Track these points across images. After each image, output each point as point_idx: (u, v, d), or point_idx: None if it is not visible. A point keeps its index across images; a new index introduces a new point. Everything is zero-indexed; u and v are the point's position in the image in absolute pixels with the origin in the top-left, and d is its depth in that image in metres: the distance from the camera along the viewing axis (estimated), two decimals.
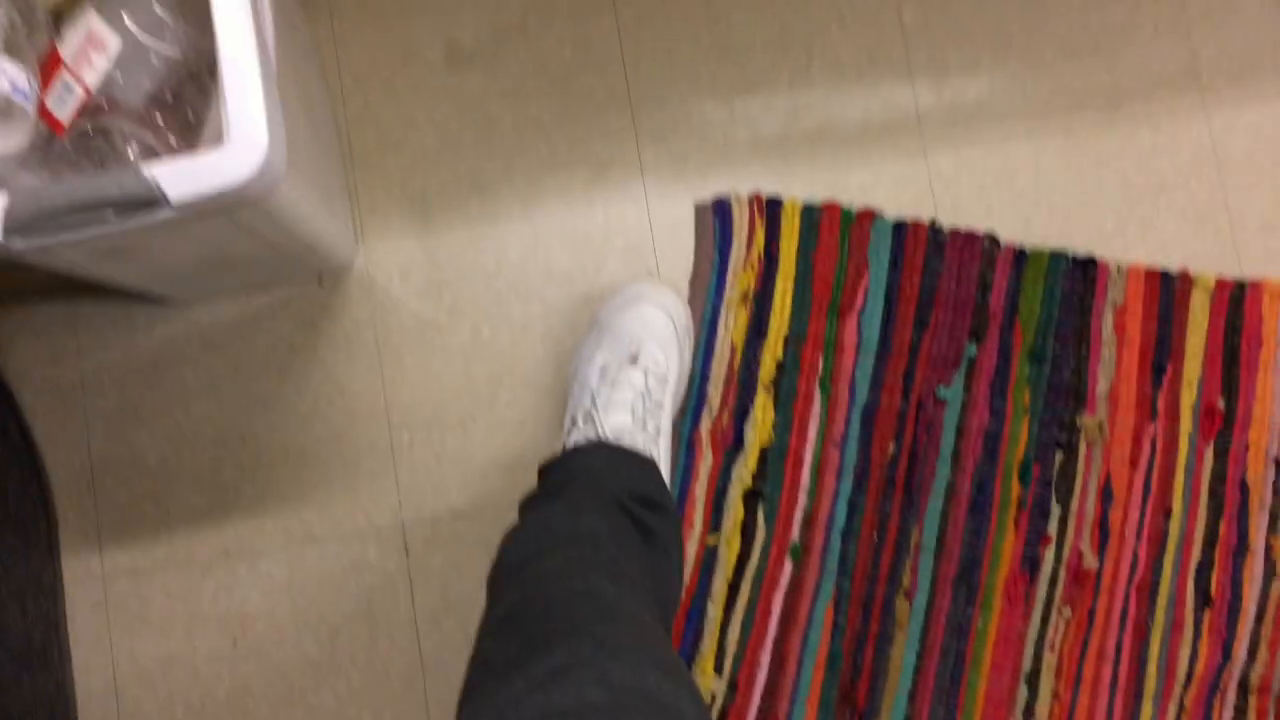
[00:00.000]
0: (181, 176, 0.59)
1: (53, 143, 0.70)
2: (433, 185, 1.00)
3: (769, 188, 1.00)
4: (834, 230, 0.99)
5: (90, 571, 0.97)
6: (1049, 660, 0.94)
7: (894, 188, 1.00)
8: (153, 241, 0.71)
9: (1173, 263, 0.98)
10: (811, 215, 0.99)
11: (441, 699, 0.95)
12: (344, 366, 0.98)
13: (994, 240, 0.98)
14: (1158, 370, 0.96)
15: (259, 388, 0.98)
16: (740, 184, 1.00)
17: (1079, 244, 0.99)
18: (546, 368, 0.98)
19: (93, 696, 0.95)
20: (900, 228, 0.98)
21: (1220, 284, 0.97)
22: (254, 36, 0.61)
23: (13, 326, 0.98)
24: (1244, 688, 0.93)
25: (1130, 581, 0.95)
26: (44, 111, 0.66)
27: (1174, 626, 0.94)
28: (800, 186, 1.00)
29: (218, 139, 0.62)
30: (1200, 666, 0.94)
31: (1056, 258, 0.97)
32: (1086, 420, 0.96)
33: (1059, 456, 0.96)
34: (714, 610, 0.95)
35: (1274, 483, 0.95)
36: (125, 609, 0.96)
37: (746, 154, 1.01)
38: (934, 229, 0.98)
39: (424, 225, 0.99)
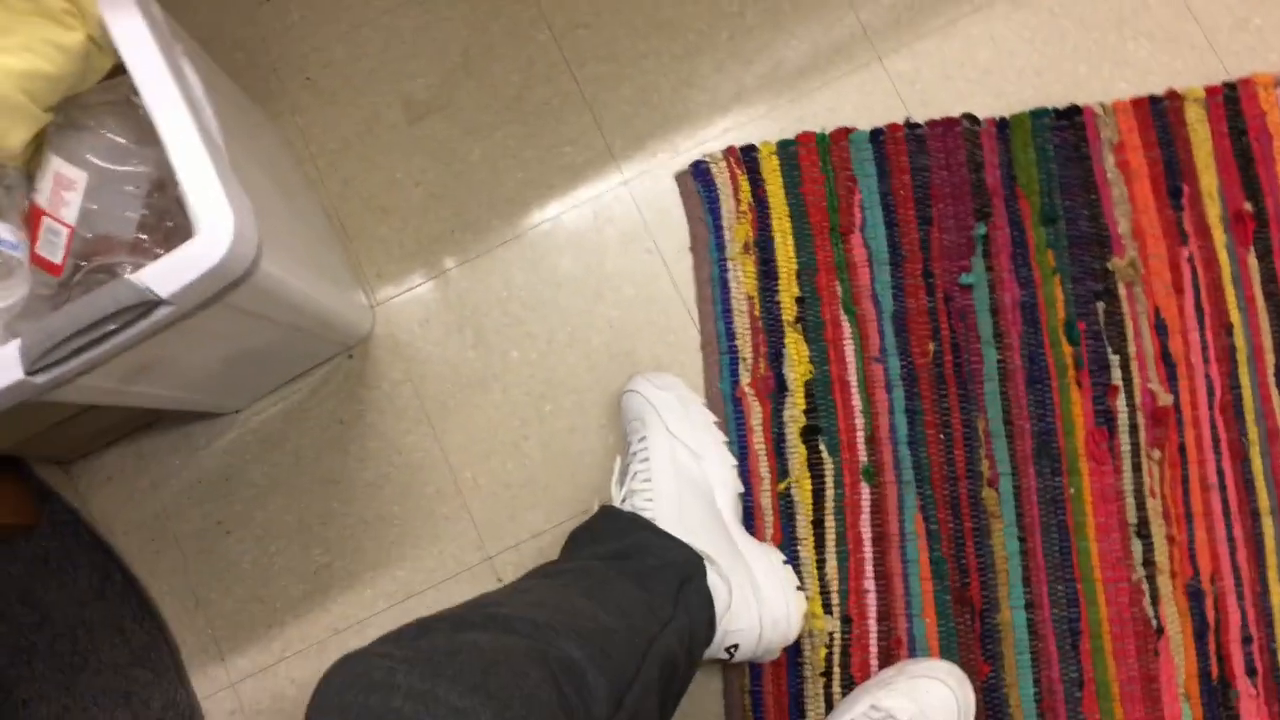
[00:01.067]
0: (166, 273, 0.63)
1: (59, 293, 0.76)
2: (427, 235, 1.03)
3: (737, 138, 1.01)
4: (813, 158, 0.99)
5: (218, 683, 1.01)
6: (1154, 507, 0.92)
7: (860, 102, 1.01)
8: (169, 349, 0.75)
9: (1158, 87, 0.97)
10: (788, 151, 1.00)
11: None
12: (394, 426, 1.02)
13: (971, 118, 0.98)
14: (1174, 194, 0.94)
15: (323, 469, 1.02)
16: (712, 145, 1.02)
17: (1059, 100, 0.98)
18: (580, 369, 1.00)
19: None
20: (877, 135, 0.99)
21: (1210, 91, 0.95)
22: (197, 133, 0.66)
23: (88, 480, 1.04)
24: None
25: (1211, 405, 0.92)
26: (37, 259, 0.71)
27: (1270, 436, 0.91)
28: (770, 130, 1.01)
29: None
30: None
31: (1038, 115, 0.96)
32: (1117, 263, 0.94)
33: (1101, 306, 0.94)
34: (806, 552, 0.95)
35: None
36: (259, 708, 1.00)
37: (709, 115, 1.02)
38: (910, 126, 0.98)
39: (429, 274, 1.03)
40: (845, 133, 0.99)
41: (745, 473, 0.95)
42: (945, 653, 0.91)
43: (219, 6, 1.07)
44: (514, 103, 1.04)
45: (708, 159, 1.01)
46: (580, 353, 1.01)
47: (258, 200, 0.69)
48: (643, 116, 1.03)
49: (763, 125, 1.01)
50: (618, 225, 1.02)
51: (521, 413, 1.01)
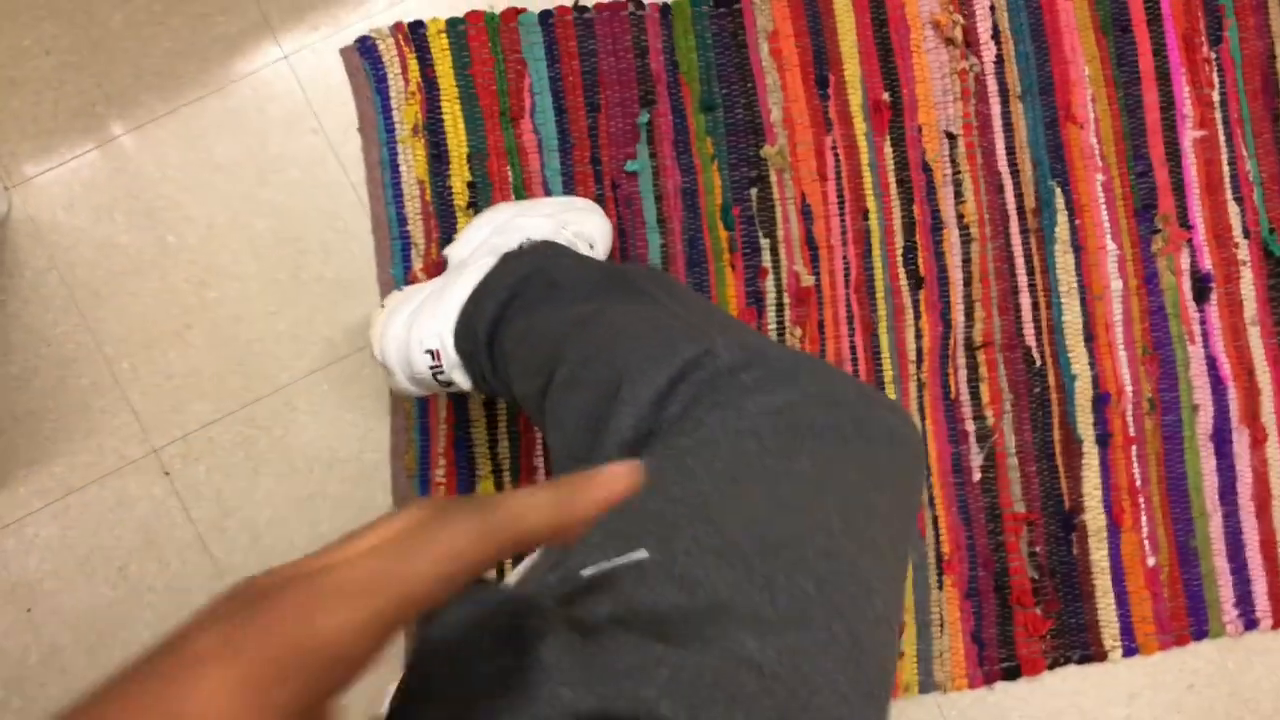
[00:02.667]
0: None
1: None
2: (66, 109, 0.95)
3: (403, 14, 0.98)
4: (483, 39, 0.97)
5: None
6: None
7: None
8: None
9: None
10: (457, 30, 0.97)
11: None
12: (40, 317, 0.95)
13: (637, 2, 0.98)
14: (821, 83, 0.99)
15: None
16: (379, 20, 0.98)
17: None
18: (245, 254, 0.97)
19: None
20: (546, 18, 0.98)
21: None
22: None
23: None
24: (969, 348, 1.01)
25: (848, 285, 1.00)
26: None
27: (896, 312, 1.00)
28: (440, 4, 0.98)
29: None
30: (927, 341, 1.01)
31: (697, 2, 0.98)
32: (769, 150, 0.99)
33: (754, 192, 0.99)
34: (478, 434, 0.98)
35: (950, 155, 1.00)
36: None
37: None
38: (579, 9, 0.98)
39: (71, 152, 0.95)
40: (515, 13, 0.97)
41: None
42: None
43: None
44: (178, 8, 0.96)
45: (374, 35, 0.97)
46: (244, 238, 0.97)
47: None
48: None
49: (429, 3, 0.98)
50: (280, 103, 0.97)
51: (183, 300, 0.97)
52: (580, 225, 0.88)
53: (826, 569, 0.42)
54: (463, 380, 0.79)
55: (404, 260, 0.97)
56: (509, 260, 0.79)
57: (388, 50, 0.97)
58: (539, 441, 0.99)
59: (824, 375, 0.52)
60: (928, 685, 1.02)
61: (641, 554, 0.41)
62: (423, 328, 0.79)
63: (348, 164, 0.98)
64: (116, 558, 0.96)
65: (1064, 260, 1.01)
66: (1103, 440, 1.02)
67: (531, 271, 0.73)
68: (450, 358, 0.78)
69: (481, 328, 0.73)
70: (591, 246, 0.89)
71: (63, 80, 0.95)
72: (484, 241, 0.87)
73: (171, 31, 0.96)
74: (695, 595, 0.40)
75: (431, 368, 0.80)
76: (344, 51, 0.97)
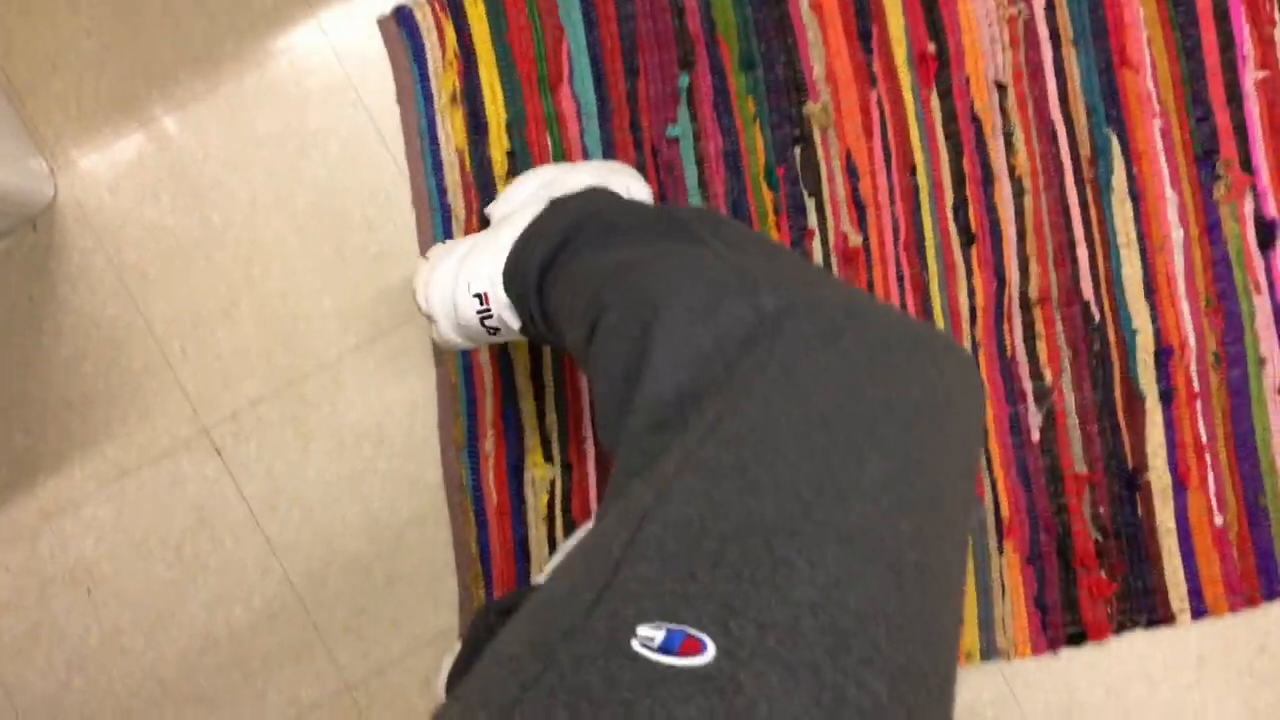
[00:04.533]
0: None
1: None
2: (107, 92, 0.96)
3: None
4: (520, 6, 0.96)
5: None
6: None
7: None
8: None
9: None
10: (497, 11, 0.96)
11: (301, 573, 0.97)
12: (90, 300, 0.96)
13: None
14: (864, 37, 0.97)
15: (15, 350, 0.96)
16: None
17: None
18: (288, 231, 0.97)
19: None
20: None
21: None
22: None
23: None
24: (1025, 304, 0.98)
25: (897, 243, 0.98)
26: None
27: (947, 269, 0.98)
28: None
29: None
30: (980, 299, 0.98)
31: None
32: (811, 108, 0.97)
33: (798, 151, 0.97)
34: (526, 405, 0.97)
35: (1000, 106, 0.97)
36: None
37: None
38: None
39: (115, 135, 0.96)
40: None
41: None
42: None
43: None
44: None
45: (411, 5, 0.96)
46: (287, 214, 0.97)
47: None
48: None
49: None
50: (318, 77, 0.97)
51: (229, 279, 0.97)
52: (622, 187, 0.87)
53: (899, 660, 0.39)
54: (512, 320, 0.76)
55: (445, 231, 0.96)
56: (558, 204, 0.78)
57: (425, 19, 0.96)
58: (587, 412, 0.98)
59: (877, 319, 0.50)
60: (990, 652, 0.99)
61: (706, 658, 0.37)
62: (470, 271, 0.77)
63: (387, 136, 0.97)
64: (172, 538, 0.97)
65: (1122, 210, 0.97)
66: (1166, 396, 0.98)
67: (582, 215, 0.72)
68: (500, 299, 0.76)
69: (532, 270, 0.71)
70: None
71: (104, 63, 0.95)
72: (530, 196, 0.86)
73: (208, 10, 0.96)
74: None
75: (479, 312, 0.77)
76: (381, 22, 0.97)
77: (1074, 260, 0.98)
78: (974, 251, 0.98)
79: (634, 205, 0.76)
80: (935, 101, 0.97)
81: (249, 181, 0.96)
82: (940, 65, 0.97)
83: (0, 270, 0.95)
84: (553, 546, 0.98)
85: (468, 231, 0.96)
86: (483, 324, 0.78)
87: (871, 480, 0.43)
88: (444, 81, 0.96)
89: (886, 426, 0.46)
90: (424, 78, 0.96)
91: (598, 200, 0.77)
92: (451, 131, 0.96)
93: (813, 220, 0.97)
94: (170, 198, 0.96)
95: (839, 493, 0.43)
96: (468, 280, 0.77)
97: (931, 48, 0.97)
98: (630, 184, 0.89)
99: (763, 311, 0.49)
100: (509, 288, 0.75)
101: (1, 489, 0.96)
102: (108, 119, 0.96)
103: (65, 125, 0.96)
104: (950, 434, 0.48)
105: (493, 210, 0.89)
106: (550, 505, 0.98)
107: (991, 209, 0.98)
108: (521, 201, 0.86)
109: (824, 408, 0.46)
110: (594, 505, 0.98)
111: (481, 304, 0.76)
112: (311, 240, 0.97)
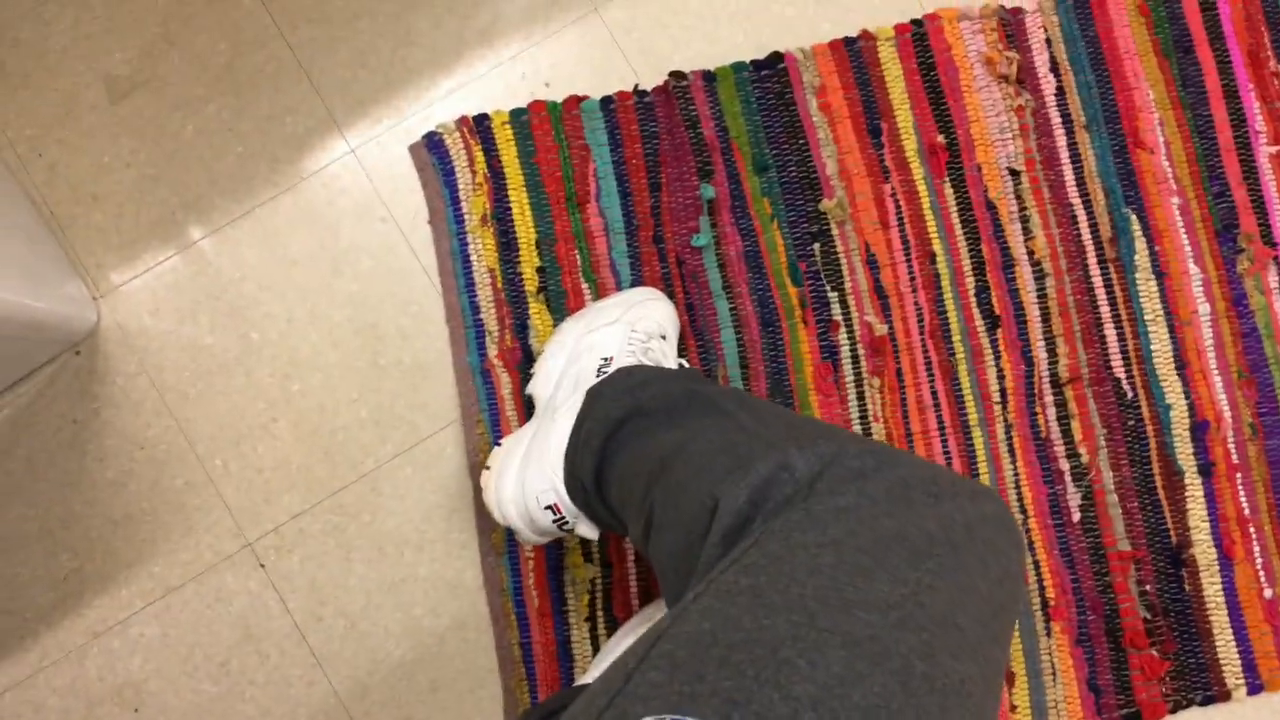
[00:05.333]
0: None
1: None
2: (147, 220, 0.99)
3: (464, 100, 1.00)
4: (546, 128, 0.99)
5: None
6: (878, 431, 0.98)
7: (582, 54, 1.01)
8: None
9: (858, 26, 1.00)
10: (521, 121, 0.99)
11: (346, 683, 0.98)
12: (132, 421, 0.98)
13: (678, 75, 0.99)
14: (874, 133, 0.99)
15: (60, 472, 0.98)
16: (438, 108, 1.00)
17: (769, 42, 1.00)
18: (325, 345, 0.99)
19: None
20: (608, 104, 0.99)
21: (899, 29, 0.99)
22: None
23: None
24: (1055, 384, 0.98)
25: (922, 330, 0.99)
26: None
27: (974, 354, 0.99)
28: (496, 88, 1.01)
29: None
30: (1010, 381, 0.98)
31: (739, 67, 0.99)
32: (828, 204, 0.98)
33: (818, 247, 0.99)
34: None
35: (1015, 191, 0.99)
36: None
37: (432, 75, 1.01)
38: (639, 94, 0.99)
39: (154, 259, 0.99)
40: (576, 101, 0.99)
41: (498, 440, 0.97)
42: None
43: None
44: (225, 73, 1.00)
45: (441, 130, 0.99)
46: (323, 330, 0.99)
47: None
48: (363, 80, 1.00)
49: (488, 84, 1.00)
50: (350, 196, 1.00)
51: (268, 395, 0.99)
52: (648, 320, 0.89)
53: None
54: (589, 531, 0.82)
55: (479, 348, 0.98)
56: (594, 401, 0.80)
57: (454, 144, 0.99)
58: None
59: (902, 463, 0.52)
60: None
61: None
62: (534, 483, 0.81)
63: (418, 249, 1.00)
64: (217, 653, 0.98)
65: (1147, 288, 0.98)
66: (1205, 470, 0.98)
67: (619, 413, 0.75)
68: (569, 508, 0.80)
69: (587, 479, 0.76)
70: (664, 337, 0.90)
71: (142, 191, 0.99)
72: (562, 374, 0.88)
73: (241, 137, 0.99)
74: None
75: (555, 521, 0.82)
76: (412, 148, 1.00)
77: (1102, 339, 0.98)
78: (1000, 334, 0.98)
79: (667, 382, 0.78)
80: (949, 190, 0.99)
81: (285, 299, 0.99)
82: (951, 155, 0.99)
83: (45, 395, 0.98)
84: (596, 646, 0.98)
85: (501, 349, 0.98)
86: (561, 529, 0.83)
87: (879, 596, 0.45)
88: (474, 204, 0.99)
89: (898, 552, 0.47)
90: (455, 200, 0.99)
91: (631, 387, 0.79)
92: (483, 250, 0.99)
93: (837, 312, 0.98)
94: (209, 317, 0.99)
95: (844, 604, 0.44)
96: (536, 494, 0.81)
97: (941, 139, 0.99)
98: (656, 309, 0.91)
99: (795, 473, 0.51)
100: (574, 498, 0.80)
101: (49, 610, 0.98)
102: (147, 245, 0.99)
103: (106, 254, 0.99)
104: (970, 566, 0.49)
105: (534, 391, 0.91)
106: (591, 605, 0.98)
107: (1014, 292, 0.98)
108: (558, 376, 0.89)
109: (837, 534, 0.48)
110: (635, 603, 0.98)
111: (555, 514, 0.81)
112: (347, 353, 0.99)
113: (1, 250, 0.86)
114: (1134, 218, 0.98)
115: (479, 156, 0.99)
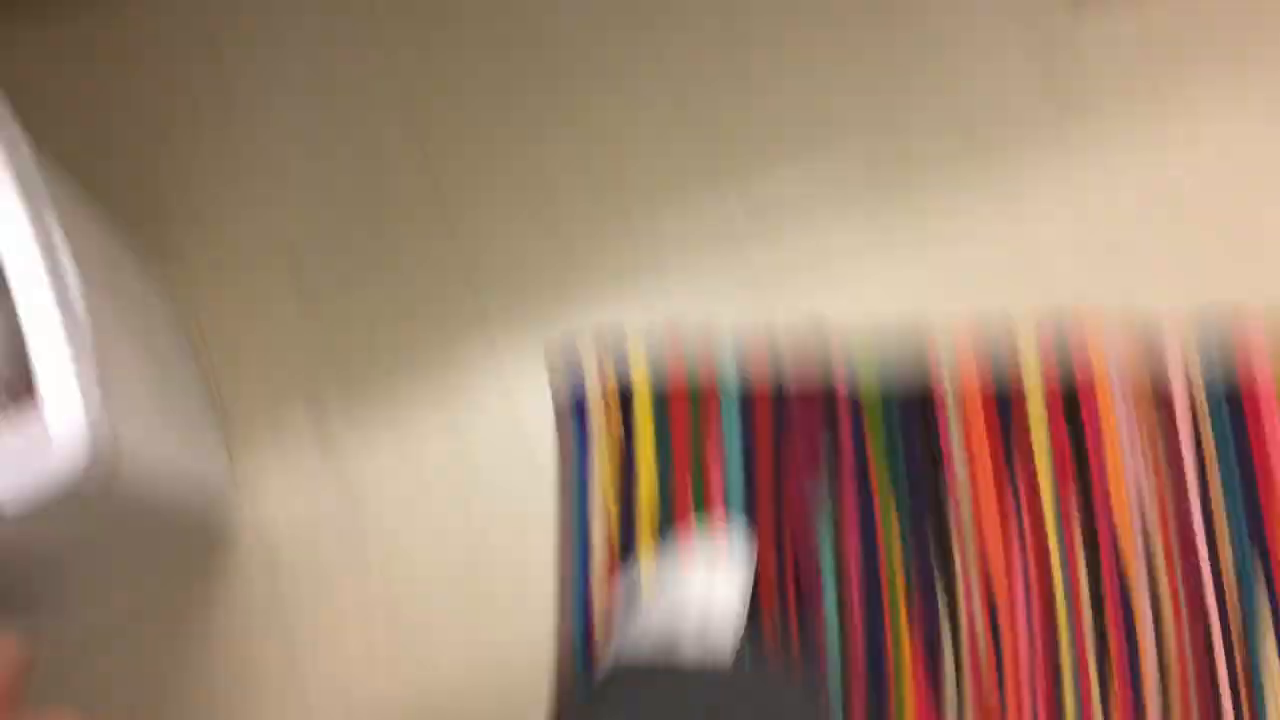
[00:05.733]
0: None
1: None
2: (311, 434, 1.04)
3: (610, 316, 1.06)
4: (683, 412, 1.04)
5: None
6: None
7: (726, 291, 1.07)
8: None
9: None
10: (661, 403, 1.04)
11: None
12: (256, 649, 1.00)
13: (830, 392, 1.03)
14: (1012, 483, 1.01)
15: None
16: (584, 318, 1.06)
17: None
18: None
19: None
20: (746, 402, 1.03)
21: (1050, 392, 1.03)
22: (60, 324, 0.64)
23: None
24: None
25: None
26: None
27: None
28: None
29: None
30: None
31: (888, 403, 1.03)
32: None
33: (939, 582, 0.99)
34: None
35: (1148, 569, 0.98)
36: None
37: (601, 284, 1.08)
38: (777, 391, 1.03)
39: (310, 475, 1.04)
40: (715, 399, 1.04)
41: None
42: None
43: (107, 151, 1.09)
44: (411, 306, 1.07)
45: (588, 392, 1.04)
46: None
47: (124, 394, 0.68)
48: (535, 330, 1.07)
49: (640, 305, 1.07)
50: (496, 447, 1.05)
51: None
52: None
53: None
54: None
55: (583, 629, 1.00)
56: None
57: (596, 410, 1.04)
58: None
59: None
60: None
61: None
62: None
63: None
64: None
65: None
66: None
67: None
68: None
69: None
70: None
71: (307, 397, 1.05)
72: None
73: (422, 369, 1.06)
74: None
75: None
76: (558, 409, 1.04)
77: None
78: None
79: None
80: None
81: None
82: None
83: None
84: None
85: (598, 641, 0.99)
86: None
87: None
88: (605, 478, 1.03)
89: None
90: (583, 480, 1.03)
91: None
92: (604, 528, 1.02)
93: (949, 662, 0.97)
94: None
95: None
96: None
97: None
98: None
99: None
100: None
101: None
102: (306, 455, 1.04)
103: (269, 458, 1.04)
104: None
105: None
106: None
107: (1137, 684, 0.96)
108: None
109: None
110: None
111: None
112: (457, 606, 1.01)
113: (183, 453, 0.90)
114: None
115: (616, 428, 1.03)
